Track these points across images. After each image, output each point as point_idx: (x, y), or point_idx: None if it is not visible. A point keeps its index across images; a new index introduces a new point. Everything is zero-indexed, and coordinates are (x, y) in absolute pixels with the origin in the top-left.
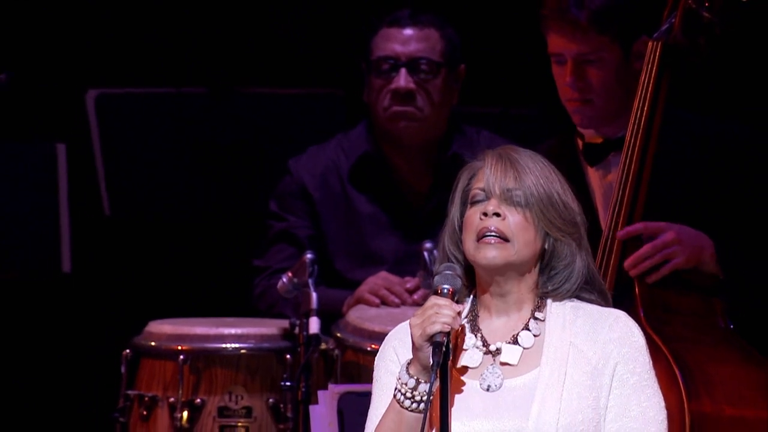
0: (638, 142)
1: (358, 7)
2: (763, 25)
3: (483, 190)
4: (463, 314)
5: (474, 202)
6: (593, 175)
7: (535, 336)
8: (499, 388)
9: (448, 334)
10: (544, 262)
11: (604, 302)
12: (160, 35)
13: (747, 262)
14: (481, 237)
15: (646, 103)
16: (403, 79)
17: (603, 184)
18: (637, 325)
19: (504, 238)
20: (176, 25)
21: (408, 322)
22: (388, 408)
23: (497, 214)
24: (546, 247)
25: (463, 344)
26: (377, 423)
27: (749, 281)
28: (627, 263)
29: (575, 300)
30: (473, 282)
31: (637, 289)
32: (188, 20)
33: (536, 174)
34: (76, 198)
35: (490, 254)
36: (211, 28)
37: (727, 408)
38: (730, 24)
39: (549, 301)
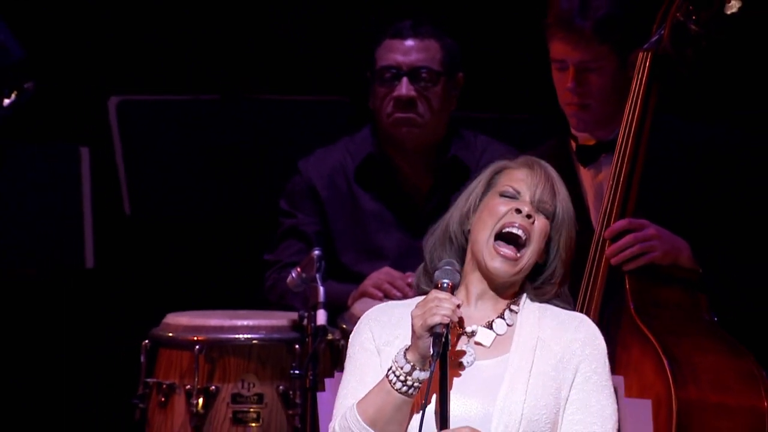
0: (629, 148)
1: (363, 19)
2: (747, 37)
3: (518, 191)
4: None
5: (504, 195)
6: (585, 174)
7: (508, 325)
8: (471, 365)
9: (447, 325)
10: (534, 275)
11: (570, 309)
12: (177, 46)
13: (736, 266)
14: (501, 231)
15: (637, 110)
16: (404, 87)
17: (594, 184)
18: (599, 330)
19: (521, 243)
20: (192, 36)
21: (385, 303)
22: (376, 387)
23: (529, 216)
24: (540, 261)
25: None
26: (350, 397)
27: (737, 284)
28: (608, 251)
29: (545, 303)
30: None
31: (627, 285)
32: (203, 32)
33: (565, 199)
34: (99, 198)
35: (497, 265)
36: (224, 40)
37: (712, 395)
38: (716, 36)
39: (524, 296)
